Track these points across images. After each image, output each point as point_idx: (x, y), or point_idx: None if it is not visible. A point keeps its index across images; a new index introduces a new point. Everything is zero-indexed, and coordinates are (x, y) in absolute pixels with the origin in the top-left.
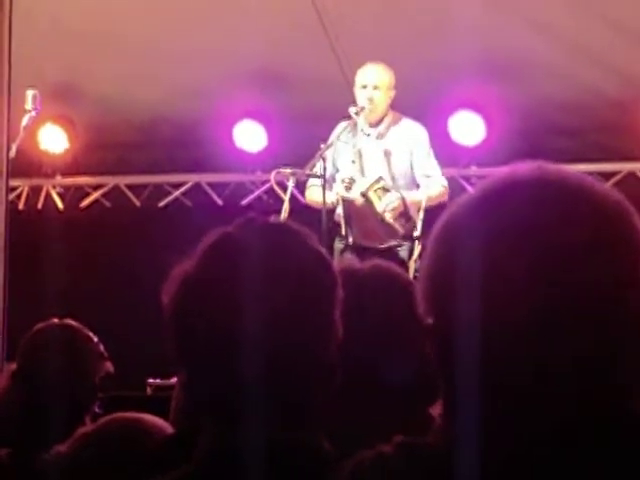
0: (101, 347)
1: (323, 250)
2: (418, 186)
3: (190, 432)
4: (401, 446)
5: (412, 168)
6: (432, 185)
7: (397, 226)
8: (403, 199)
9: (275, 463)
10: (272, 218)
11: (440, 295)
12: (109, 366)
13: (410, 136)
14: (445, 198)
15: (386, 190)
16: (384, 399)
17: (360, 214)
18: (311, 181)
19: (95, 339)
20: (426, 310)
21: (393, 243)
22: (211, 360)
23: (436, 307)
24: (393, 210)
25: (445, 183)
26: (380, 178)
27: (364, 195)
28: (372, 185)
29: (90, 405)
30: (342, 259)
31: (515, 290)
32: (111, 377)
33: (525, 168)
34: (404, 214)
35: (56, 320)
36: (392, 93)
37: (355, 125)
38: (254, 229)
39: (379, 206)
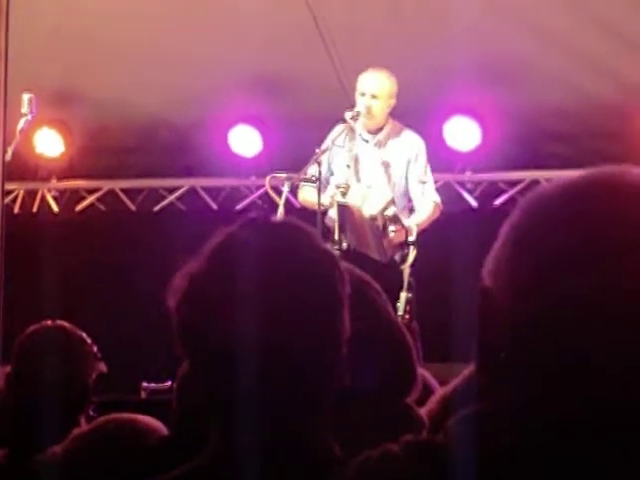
0: (94, 348)
1: (328, 247)
2: (409, 199)
3: (188, 433)
4: (409, 445)
5: (407, 179)
6: (425, 202)
7: (389, 252)
8: (406, 231)
9: (282, 463)
10: (275, 217)
11: (521, 262)
12: (102, 366)
13: (409, 148)
14: (437, 214)
15: (395, 219)
16: (362, 398)
17: (355, 221)
18: (304, 183)
19: (88, 340)
20: (495, 274)
21: (386, 257)
22: (218, 359)
23: (512, 274)
24: (394, 240)
25: (437, 199)
26: (391, 201)
27: (373, 218)
28: (383, 209)
29: (84, 406)
30: None
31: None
32: (105, 380)
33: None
34: (401, 244)
35: (49, 322)
36: (392, 102)
37: (352, 129)
38: (258, 228)
39: (384, 231)
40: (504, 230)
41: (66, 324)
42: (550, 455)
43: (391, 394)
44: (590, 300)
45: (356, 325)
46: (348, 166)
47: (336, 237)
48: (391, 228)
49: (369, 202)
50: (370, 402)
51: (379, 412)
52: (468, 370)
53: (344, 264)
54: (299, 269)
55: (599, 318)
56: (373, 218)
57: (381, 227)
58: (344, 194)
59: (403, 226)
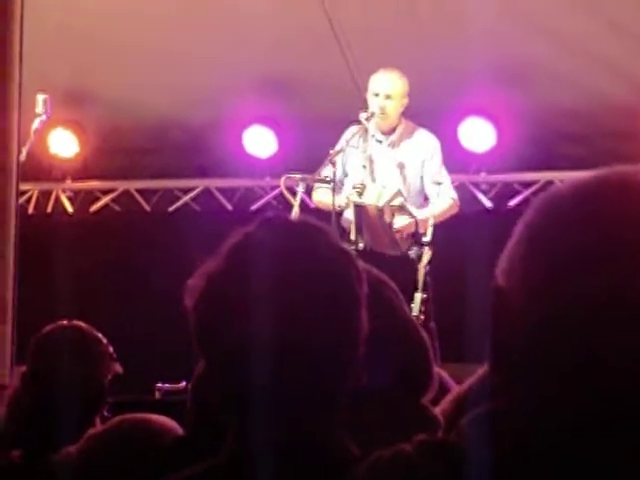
0: (110, 348)
1: (346, 246)
2: (426, 197)
3: (203, 433)
4: (421, 445)
5: (422, 178)
6: (442, 198)
7: (402, 245)
8: (416, 223)
9: (298, 462)
10: (293, 216)
11: (535, 262)
12: (118, 367)
13: (424, 148)
14: (455, 210)
15: (402, 209)
16: (377, 398)
17: (371, 220)
18: (318, 184)
19: (104, 340)
20: (508, 273)
21: (400, 250)
22: (235, 358)
23: (525, 273)
24: (404, 231)
25: (454, 195)
26: (398, 193)
27: (380, 209)
28: (390, 200)
29: (100, 406)
30: None
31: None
32: (120, 381)
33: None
34: (413, 235)
35: (65, 322)
36: (405, 101)
37: (366, 130)
38: (275, 228)
39: (392, 223)
40: (518, 229)
41: (82, 324)
42: (564, 454)
43: (407, 394)
44: (603, 299)
45: (373, 324)
46: (364, 167)
47: (352, 237)
48: (400, 219)
49: (382, 200)
50: (386, 402)
51: (394, 412)
52: (482, 370)
53: (361, 264)
54: (316, 268)
55: (612, 317)
56: (380, 210)
57: (389, 219)
58: (360, 194)
59: (412, 216)
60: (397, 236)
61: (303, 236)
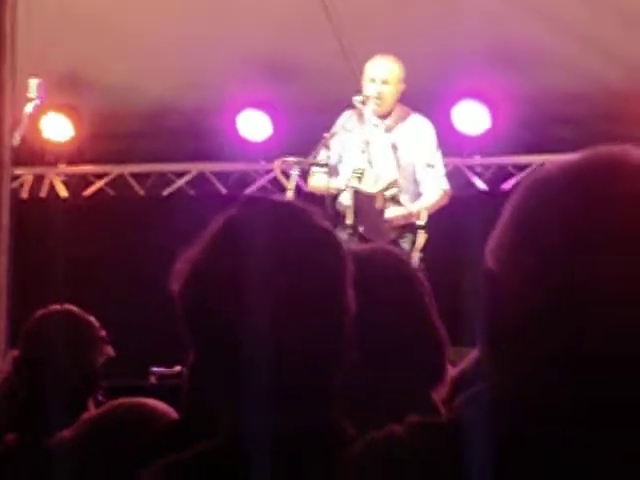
0: (102, 332)
1: (330, 226)
2: (416, 182)
3: (198, 417)
4: (413, 426)
5: (415, 162)
6: (433, 189)
7: (390, 233)
8: (408, 215)
9: (294, 445)
10: (276, 197)
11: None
12: (110, 350)
13: (417, 131)
14: (445, 201)
15: (395, 201)
16: (389, 386)
17: (366, 206)
18: (314, 169)
19: (96, 324)
20: (498, 256)
21: (394, 235)
22: (222, 343)
23: (517, 255)
24: (393, 222)
25: (445, 186)
26: (394, 183)
27: (373, 196)
28: (385, 189)
29: (93, 389)
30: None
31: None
32: (114, 365)
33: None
34: (404, 226)
35: (57, 306)
36: (401, 87)
37: (361, 114)
38: (259, 210)
39: (382, 211)
40: (506, 211)
41: (73, 308)
42: (558, 434)
43: (417, 386)
44: (594, 281)
45: (394, 315)
46: (363, 151)
47: (349, 222)
48: (391, 210)
49: (378, 186)
50: (395, 391)
51: (402, 401)
52: (475, 353)
53: (398, 250)
54: (300, 248)
55: (603, 300)
56: (371, 197)
57: (381, 206)
58: (360, 179)
59: (404, 208)
60: (386, 225)
61: (286, 216)
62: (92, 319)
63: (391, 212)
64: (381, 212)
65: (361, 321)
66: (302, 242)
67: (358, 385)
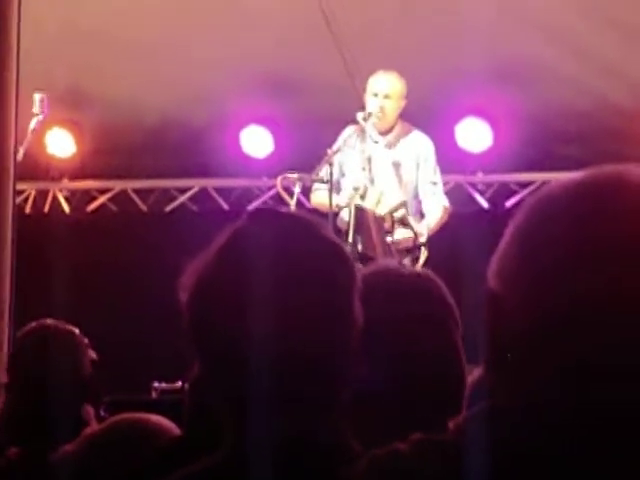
0: (84, 339)
1: (337, 239)
2: (418, 199)
3: (200, 432)
4: (417, 444)
5: (417, 179)
6: (435, 207)
7: (395, 256)
8: (415, 237)
9: (298, 462)
10: (284, 209)
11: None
12: (92, 354)
13: (419, 148)
14: (445, 219)
15: (404, 223)
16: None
17: (366, 225)
18: (316, 185)
19: (76, 331)
20: (501, 275)
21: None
22: (228, 357)
23: (520, 274)
24: (401, 244)
25: (446, 203)
26: (402, 204)
27: (381, 217)
28: (393, 209)
29: (88, 394)
30: None
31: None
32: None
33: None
34: (408, 250)
35: (33, 323)
36: (403, 102)
37: (363, 131)
38: (267, 222)
39: (392, 234)
40: (509, 230)
41: (49, 321)
42: (559, 452)
43: (433, 412)
44: (595, 299)
45: (419, 339)
46: (364, 169)
47: (349, 239)
48: (399, 232)
49: (382, 204)
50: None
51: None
52: (478, 370)
53: (430, 278)
54: (308, 261)
55: (604, 317)
56: (381, 219)
57: (389, 228)
58: (362, 197)
59: (412, 230)
60: (393, 247)
61: (293, 229)
62: (71, 327)
63: (399, 234)
64: (384, 231)
65: (384, 341)
66: (310, 254)
67: (371, 403)
